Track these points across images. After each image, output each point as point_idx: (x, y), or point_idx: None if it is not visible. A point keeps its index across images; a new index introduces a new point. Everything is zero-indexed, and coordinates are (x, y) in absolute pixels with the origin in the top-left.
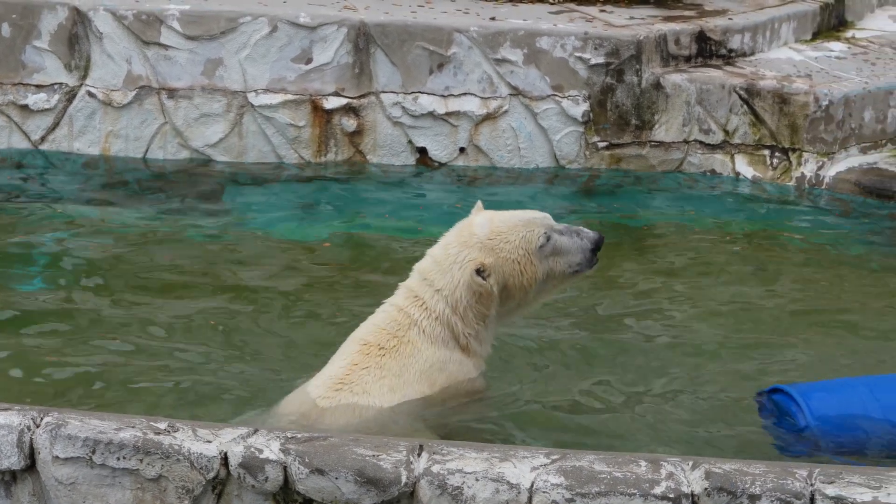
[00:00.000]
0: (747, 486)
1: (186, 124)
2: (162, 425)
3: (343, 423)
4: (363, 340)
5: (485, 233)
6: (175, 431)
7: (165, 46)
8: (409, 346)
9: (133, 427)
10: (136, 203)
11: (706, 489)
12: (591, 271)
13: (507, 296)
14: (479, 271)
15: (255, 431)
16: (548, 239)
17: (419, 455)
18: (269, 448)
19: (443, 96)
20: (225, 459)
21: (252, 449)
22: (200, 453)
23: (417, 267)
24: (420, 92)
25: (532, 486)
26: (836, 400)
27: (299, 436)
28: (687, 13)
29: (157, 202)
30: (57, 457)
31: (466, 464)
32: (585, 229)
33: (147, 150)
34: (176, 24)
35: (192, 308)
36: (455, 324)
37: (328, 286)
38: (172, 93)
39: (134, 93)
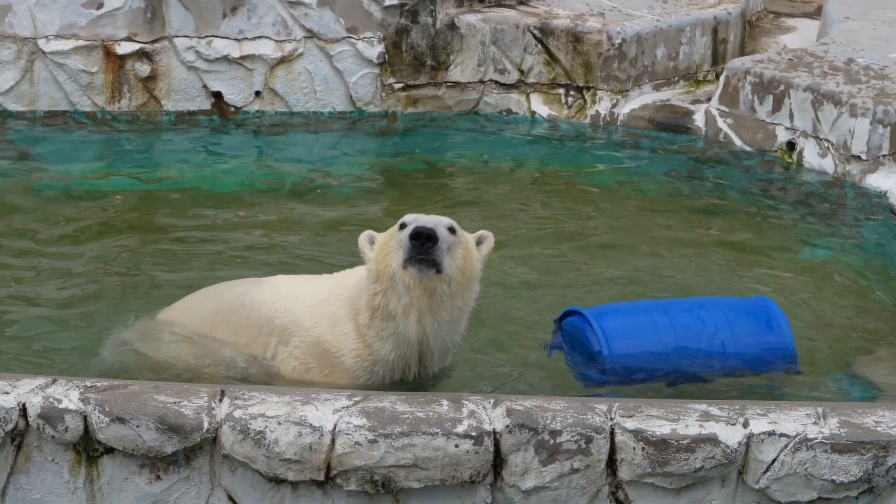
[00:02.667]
0: (548, 422)
1: None
2: None
3: None
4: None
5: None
6: None
7: None
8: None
9: None
10: None
11: (508, 426)
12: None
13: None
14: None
15: (54, 381)
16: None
17: (221, 401)
18: (69, 398)
19: (237, 40)
20: (24, 410)
21: (51, 399)
22: None
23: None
24: (214, 36)
25: (335, 428)
26: (629, 323)
27: (99, 384)
28: None
29: None
30: None
31: (268, 408)
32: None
33: None
34: None
35: None
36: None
37: (123, 238)
38: None
39: None
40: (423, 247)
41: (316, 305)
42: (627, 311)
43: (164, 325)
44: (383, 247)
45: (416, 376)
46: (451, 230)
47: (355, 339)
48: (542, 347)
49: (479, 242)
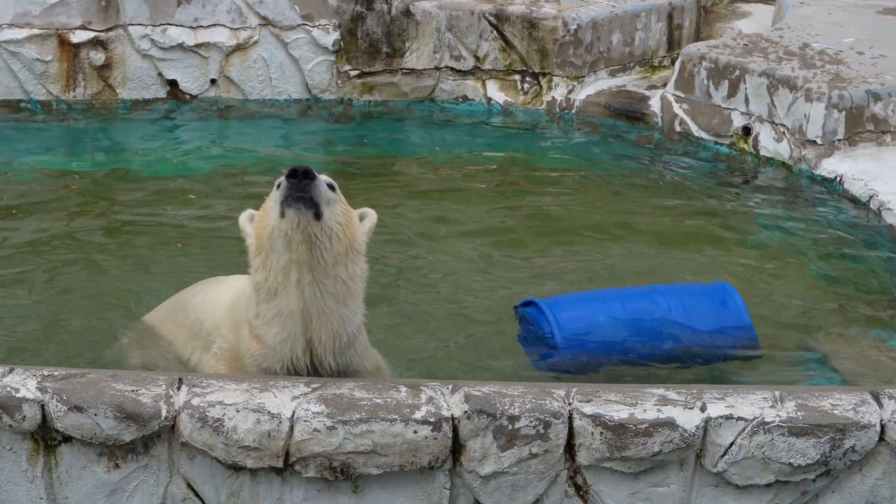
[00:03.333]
0: (506, 407)
1: None
2: None
3: None
4: None
5: None
6: None
7: None
8: None
9: None
10: None
11: (466, 412)
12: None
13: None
14: None
15: (11, 370)
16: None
17: (178, 388)
18: (26, 387)
19: (192, 27)
20: None
21: (8, 388)
22: None
23: None
24: (169, 24)
25: (293, 415)
26: (582, 312)
27: (56, 373)
28: None
29: None
30: None
31: (227, 395)
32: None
33: None
34: None
35: None
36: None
37: (74, 230)
38: None
39: None
40: (300, 184)
41: (233, 308)
42: (580, 299)
43: (147, 327)
44: (262, 213)
45: (308, 369)
46: (331, 187)
47: (249, 339)
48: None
49: (361, 219)
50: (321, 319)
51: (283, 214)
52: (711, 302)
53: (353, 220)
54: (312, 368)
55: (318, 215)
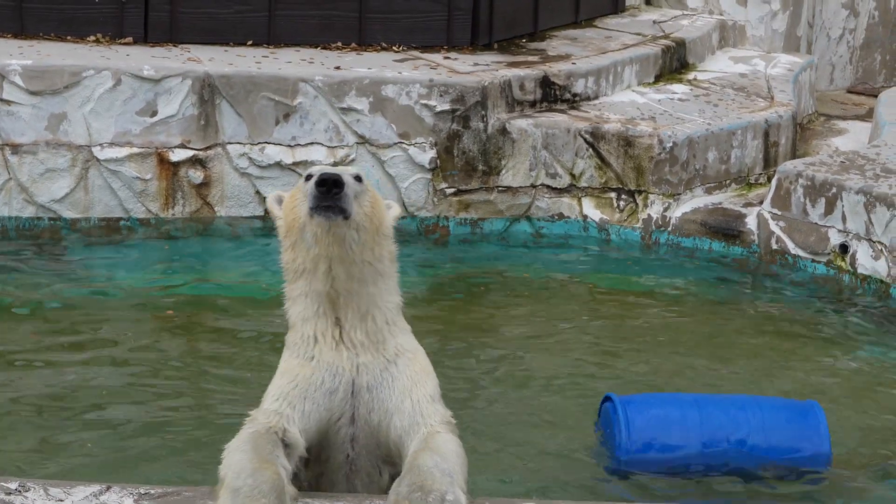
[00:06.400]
0: None
1: (31, 180)
2: (13, 485)
3: None
4: None
5: None
6: (26, 491)
7: (8, 102)
8: None
9: None
10: None
11: None
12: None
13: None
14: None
15: (108, 488)
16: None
17: None
18: None
19: (290, 146)
20: None
21: None
22: None
23: None
24: (266, 142)
25: None
26: (656, 414)
27: (153, 491)
28: (531, 59)
29: (2, 260)
30: None
31: None
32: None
33: None
34: (18, 80)
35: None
36: None
37: (185, 353)
38: (16, 148)
39: None
40: (329, 193)
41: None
42: (659, 402)
43: None
44: (291, 200)
45: (336, 341)
46: (358, 178)
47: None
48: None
49: (388, 207)
50: (348, 299)
51: (312, 215)
52: (794, 421)
53: (379, 206)
54: (340, 340)
55: (346, 217)
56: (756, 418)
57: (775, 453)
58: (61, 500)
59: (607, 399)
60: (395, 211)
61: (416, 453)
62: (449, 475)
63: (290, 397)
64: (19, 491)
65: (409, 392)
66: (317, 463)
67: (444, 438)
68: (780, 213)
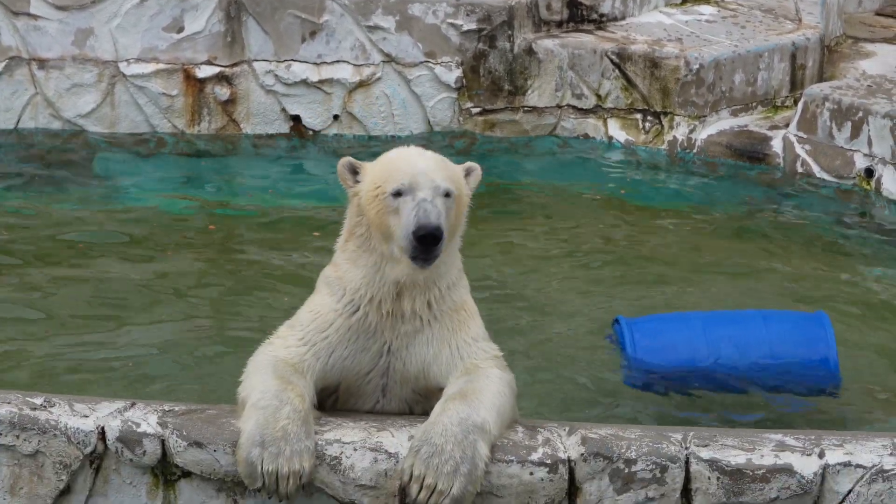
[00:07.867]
0: (623, 450)
1: (58, 95)
2: (38, 400)
3: None
4: None
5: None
6: (51, 406)
7: (35, 17)
8: None
9: (9, 403)
10: (6, 176)
11: (583, 454)
12: (419, 267)
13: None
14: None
15: (133, 405)
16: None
17: None
18: (147, 422)
19: (315, 64)
20: (102, 434)
21: (129, 423)
22: (77, 428)
23: None
24: (293, 60)
25: None
26: (663, 329)
27: (177, 408)
28: None
29: (31, 173)
30: None
31: (344, 434)
32: (420, 215)
33: (18, 121)
34: None
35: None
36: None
37: (218, 265)
38: (43, 63)
39: (4, 63)
40: (427, 248)
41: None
42: (664, 318)
43: None
44: (372, 191)
45: (391, 313)
46: (447, 195)
47: (331, 267)
48: (610, 341)
49: (467, 174)
50: (413, 283)
51: (406, 256)
52: (801, 334)
53: (462, 207)
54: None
55: (437, 255)
56: (760, 327)
57: (780, 358)
58: (86, 416)
59: (616, 322)
60: (476, 178)
61: (446, 403)
62: (470, 432)
63: (317, 348)
64: (45, 406)
65: (448, 340)
66: (345, 402)
67: (483, 374)
68: (805, 136)
